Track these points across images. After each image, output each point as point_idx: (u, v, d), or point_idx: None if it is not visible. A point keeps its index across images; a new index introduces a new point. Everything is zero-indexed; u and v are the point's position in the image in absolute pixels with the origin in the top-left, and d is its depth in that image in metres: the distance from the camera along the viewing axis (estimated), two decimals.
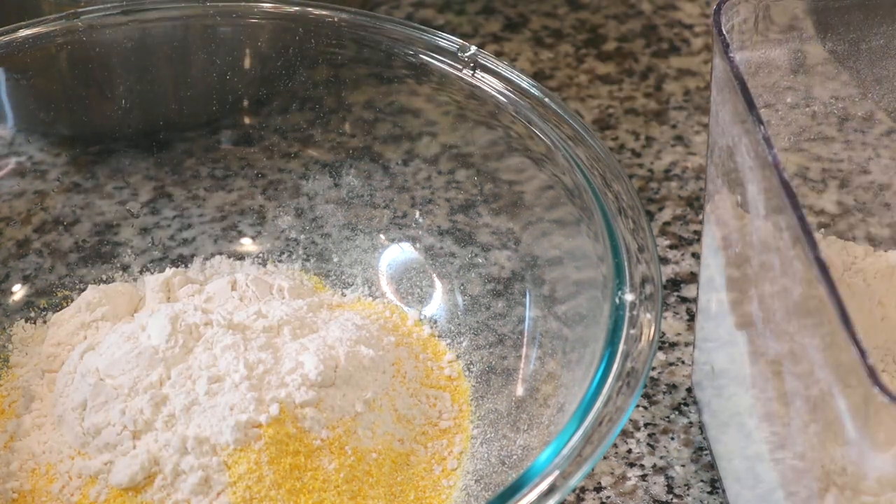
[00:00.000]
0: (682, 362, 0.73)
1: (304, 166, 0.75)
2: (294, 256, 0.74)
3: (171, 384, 0.63)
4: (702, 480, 0.68)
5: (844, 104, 0.71)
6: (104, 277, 0.73)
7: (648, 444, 0.69)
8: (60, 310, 0.71)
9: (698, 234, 0.79)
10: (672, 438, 0.70)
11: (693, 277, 0.77)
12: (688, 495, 0.67)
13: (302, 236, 0.74)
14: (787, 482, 0.59)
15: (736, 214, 0.61)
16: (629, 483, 0.68)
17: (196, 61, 0.74)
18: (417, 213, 0.73)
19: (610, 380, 0.58)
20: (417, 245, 0.73)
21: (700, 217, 0.80)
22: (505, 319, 0.69)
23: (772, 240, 0.57)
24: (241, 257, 0.74)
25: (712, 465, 0.68)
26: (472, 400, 0.68)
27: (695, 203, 0.81)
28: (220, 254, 0.74)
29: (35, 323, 0.71)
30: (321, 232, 0.74)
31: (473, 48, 0.71)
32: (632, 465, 0.68)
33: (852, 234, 0.74)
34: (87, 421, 0.63)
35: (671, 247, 0.79)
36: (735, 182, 0.61)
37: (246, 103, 0.74)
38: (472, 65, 0.70)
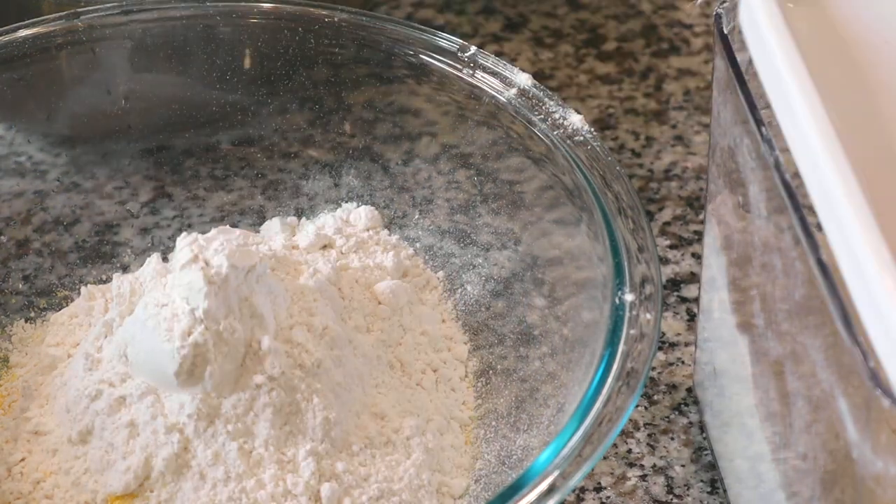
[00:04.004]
0: (682, 362, 0.73)
1: (304, 166, 0.75)
2: None
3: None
4: (702, 480, 0.68)
5: None
6: (104, 277, 0.73)
7: (648, 444, 0.69)
8: (60, 310, 0.71)
9: (698, 234, 0.79)
10: (672, 438, 0.70)
11: (693, 277, 0.77)
12: (688, 495, 0.67)
13: None
14: (788, 482, 0.59)
15: (737, 215, 0.61)
16: (629, 483, 0.68)
17: (196, 61, 0.74)
18: (417, 213, 0.73)
19: (610, 380, 0.58)
20: (417, 245, 0.73)
21: (700, 217, 0.80)
22: (505, 319, 0.69)
23: (773, 240, 0.57)
24: None
25: (712, 465, 0.68)
26: (472, 400, 0.68)
27: (695, 203, 0.81)
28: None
29: (35, 323, 0.71)
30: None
31: (473, 48, 0.71)
32: (632, 465, 0.68)
33: None
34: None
35: (671, 247, 0.79)
36: (736, 182, 0.61)
37: (246, 103, 0.74)
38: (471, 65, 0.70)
